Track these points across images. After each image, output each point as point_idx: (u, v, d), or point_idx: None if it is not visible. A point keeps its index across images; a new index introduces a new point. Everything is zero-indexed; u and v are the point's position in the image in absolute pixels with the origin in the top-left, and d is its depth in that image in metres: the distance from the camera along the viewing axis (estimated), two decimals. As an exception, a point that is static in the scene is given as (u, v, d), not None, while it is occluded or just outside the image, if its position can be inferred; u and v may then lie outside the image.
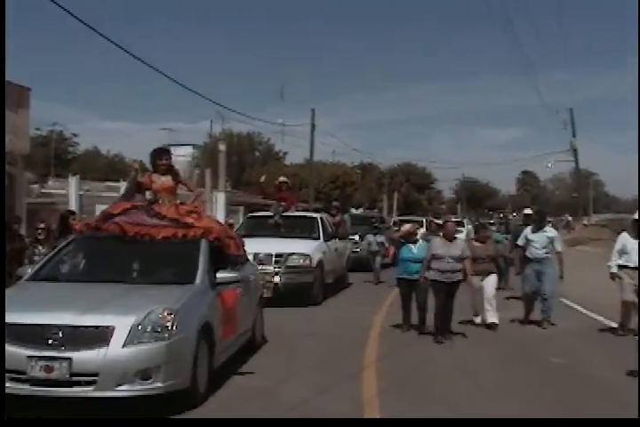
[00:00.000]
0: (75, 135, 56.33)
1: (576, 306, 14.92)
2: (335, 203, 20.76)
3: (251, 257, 13.86)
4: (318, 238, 16.32)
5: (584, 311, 14.20)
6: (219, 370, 7.81)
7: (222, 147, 35.39)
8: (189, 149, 61.18)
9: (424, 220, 38.98)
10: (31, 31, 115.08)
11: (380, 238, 20.57)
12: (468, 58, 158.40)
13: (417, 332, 11.40)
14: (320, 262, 15.30)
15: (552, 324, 12.17)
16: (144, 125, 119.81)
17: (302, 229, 16.74)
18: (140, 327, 6.39)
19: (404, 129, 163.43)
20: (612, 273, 11.52)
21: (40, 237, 10.88)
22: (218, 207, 31.06)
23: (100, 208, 26.71)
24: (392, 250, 19.67)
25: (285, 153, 65.63)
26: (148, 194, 9.21)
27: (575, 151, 49.50)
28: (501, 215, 54.31)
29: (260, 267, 13.84)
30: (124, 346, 6.28)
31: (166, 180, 8.90)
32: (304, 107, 46.29)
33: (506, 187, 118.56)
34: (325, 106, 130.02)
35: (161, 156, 9.00)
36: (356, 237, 22.54)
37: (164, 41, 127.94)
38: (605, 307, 13.21)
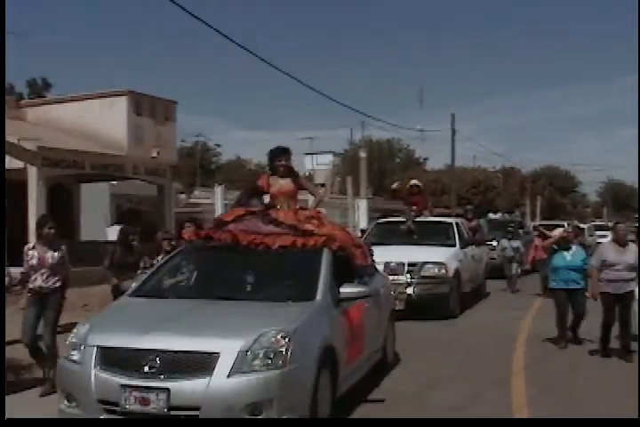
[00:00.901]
0: (218, 146, 59.20)
1: None
2: (469, 206, 19.45)
3: (381, 266, 13.02)
4: (454, 245, 15.17)
5: None
6: (345, 397, 6.86)
7: (363, 154, 35.83)
8: (330, 157, 62.17)
9: (566, 224, 37.08)
10: (177, 48, 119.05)
11: (516, 243, 19.45)
12: (612, 57, 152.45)
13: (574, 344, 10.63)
14: (457, 271, 14.16)
15: None
16: (284, 134, 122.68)
17: (437, 235, 15.53)
18: (249, 354, 5.46)
19: (545, 131, 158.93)
20: None
21: (167, 248, 9.81)
22: (360, 214, 31.32)
23: None
24: (532, 255, 18.33)
25: (426, 159, 67.09)
26: (265, 199, 8.43)
27: None
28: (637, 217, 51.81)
29: (391, 277, 12.91)
30: (229, 375, 5.36)
31: (285, 183, 8.04)
32: (442, 112, 46.64)
33: None
34: (464, 110, 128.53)
35: (279, 156, 8.13)
36: (494, 243, 21.25)
37: (302, 51, 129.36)
38: None
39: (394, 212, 17.35)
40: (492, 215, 31.65)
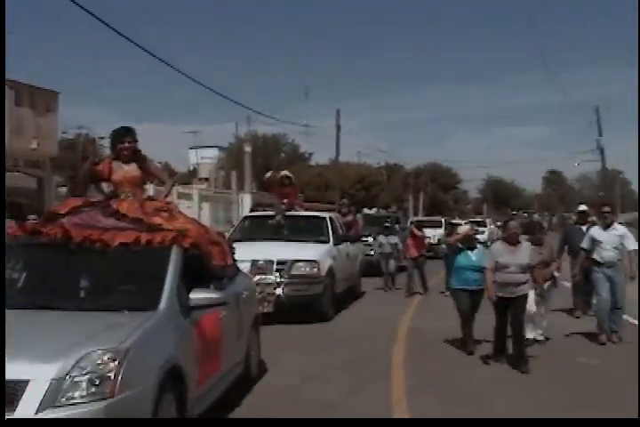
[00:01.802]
0: (101, 138, 57.19)
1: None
2: (345, 200, 18.65)
3: (248, 265, 12.07)
4: (327, 242, 14.21)
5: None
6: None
7: (248, 148, 35.88)
8: (215, 151, 62.33)
9: (443, 220, 37.03)
10: (59, 36, 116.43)
11: (394, 240, 18.81)
12: (495, 57, 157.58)
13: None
14: (330, 270, 13.24)
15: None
16: (169, 127, 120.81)
17: (309, 230, 14.57)
18: (66, 381, 4.39)
19: (430, 129, 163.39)
20: None
21: None
22: (244, 209, 30.75)
23: None
24: (412, 251, 17.82)
25: (311, 154, 66.91)
26: (106, 187, 7.29)
27: (602, 150, 48.93)
28: (525, 214, 53.36)
29: (258, 277, 11.97)
30: (38, 411, 4.26)
31: (130, 168, 6.90)
32: (329, 107, 46.86)
33: (532, 186, 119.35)
34: (350, 106, 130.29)
35: (123, 137, 6.95)
36: (369, 239, 20.63)
37: (189, 44, 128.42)
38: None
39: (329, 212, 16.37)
40: (367, 210, 31.17)
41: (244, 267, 12.03)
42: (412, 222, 22.39)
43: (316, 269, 12.67)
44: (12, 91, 19.01)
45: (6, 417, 4.25)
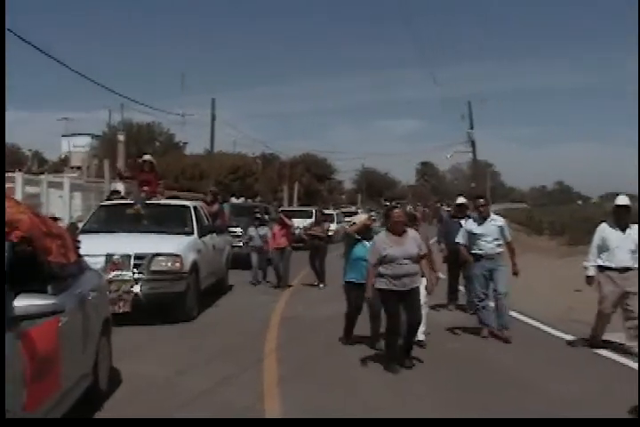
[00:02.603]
0: None
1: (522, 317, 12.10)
2: (213, 188, 17.52)
3: (102, 260, 10.98)
4: (192, 233, 13.11)
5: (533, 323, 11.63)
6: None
7: (121, 137, 35.47)
8: (88, 139, 60.30)
9: (313, 210, 36.45)
10: None
11: (263, 231, 17.96)
12: (369, 50, 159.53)
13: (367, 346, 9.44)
14: (194, 265, 12.15)
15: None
16: (40, 114, 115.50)
17: (171, 221, 13.42)
18: None
19: (307, 120, 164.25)
20: (588, 277, 9.20)
21: None
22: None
23: None
24: (274, 242, 17.04)
25: (185, 143, 66.27)
26: None
27: (473, 143, 49.64)
28: (398, 205, 53.94)
29: (113, 273, 10.89)
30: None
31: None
32: (206, 97, 46.79)
33: (406, 178, 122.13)
34: (229, 96, 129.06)
35: None
36: (237, 230, 19.71)
37: (64, 28, 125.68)
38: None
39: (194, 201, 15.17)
40: (234, 200, 30.17)
41: (98, 262, 10.97)
42: (280, 212, 21.66)
43: (178, 264, 11.52)
44: None
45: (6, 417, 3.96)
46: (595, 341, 9.34)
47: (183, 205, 14.14)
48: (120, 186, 29.53)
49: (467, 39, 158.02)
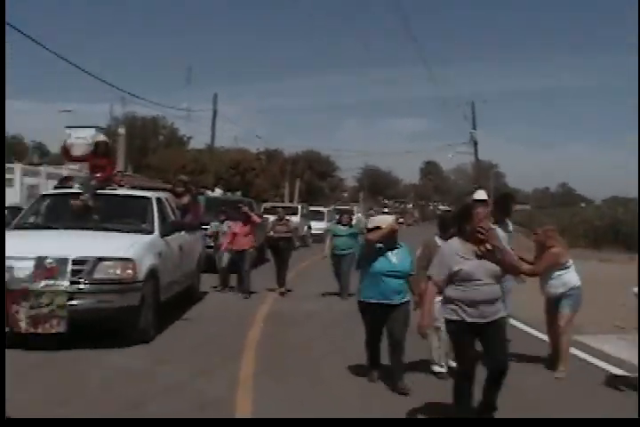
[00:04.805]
0: None
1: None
2: (183, 177, 14.85)
3: (30, 264, 8.65)
4: (151, 231, 10.42)
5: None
6: None
7: (122, 130, 34.91)
8: (92, 132, 56.82)
9: (299, 207, 34.18)
10: None
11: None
12: (374, 48, 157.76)
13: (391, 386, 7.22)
14: (152, 272, 9.50)
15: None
16: (44, 106, 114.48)
17: (127, 216, 10.84)
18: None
19: (311, 117, 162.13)
20: None
21: None
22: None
23: None
24: (226, 243, 14.71)
25: (189, 138, 66.12)
26: None
27: (475, 143, 49.19)
28: (401, 205, 53.43)
29: (44, 282, 8.56)
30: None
31: None
32: (210, 92, 48.73)
33: (409, 177, 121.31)
34: (233, 92, 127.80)
35: None
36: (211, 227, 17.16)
37: (69, 24, 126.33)
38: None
39: (154, 189, 12.62)
40: (210, 193, 27.39)
41: (25, 267, 8.66)
42: (265, 209, 19.23)
43: (130, 271, 8.86)
44: None
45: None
46: None
47: (142, 196, 11.28)
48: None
49: (472, 38, 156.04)
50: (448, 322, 5.91)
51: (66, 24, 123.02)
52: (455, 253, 5.82)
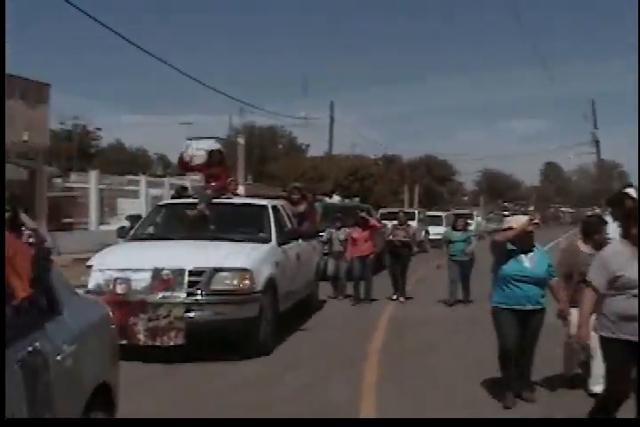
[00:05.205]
0: (98, 129, 57.72)
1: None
2: (297, 184, 14.61)
3: (147, 276, 8.56)
4: (268, 240, 10.14)
5: None
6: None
7: (241, 140, 36.16)
8: (211, 142, 58.42)
9: (416, 212, 33.40)
10: (49, 30, 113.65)
11: (345, 234, 14.95)
12: (490, 50, 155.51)
13: None
14: (270, 282, 9.21)
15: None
16: (166, 118, 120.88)
17: (243, 225, 10.53)
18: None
19: (427, 121, 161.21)
20: None
21: None
22: None
23: (121, 201, 27.38)
24: (349, 249, 14.35)
25: (307, 146, 67.63)
26: None
27: (597, 143, 48.37)
28: (521, 208, 52.37)
29: (162, 294, 8.45)
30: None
31: None
32: (326, 100, 48.05)
33: (530, 179, 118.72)
34: (351, 99, 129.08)
35: None
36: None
37: (187, 38, 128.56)
38: None
39: (275, 198, 12.62)
40: (327, 199, 27.14)
41: (143, 279, 8.59)
42: (382, 215, 18.79)
43: (247, 282, 8.66)
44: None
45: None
46: None
47: (258, 205, 11.06)
48: (241, 189, 27.57)
49: (590, 35, 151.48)
50: (602, 339, 5.28)
51: (184, 39, 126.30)
52: (619, 256, 5.19)
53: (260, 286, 8.92)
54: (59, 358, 3.90)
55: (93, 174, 26.62)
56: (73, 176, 31.66)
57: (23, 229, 7.13)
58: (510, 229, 6.76)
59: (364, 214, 14.70)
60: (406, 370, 8.23)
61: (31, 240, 7.03)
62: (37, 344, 3.74)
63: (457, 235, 14.02)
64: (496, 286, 6.85)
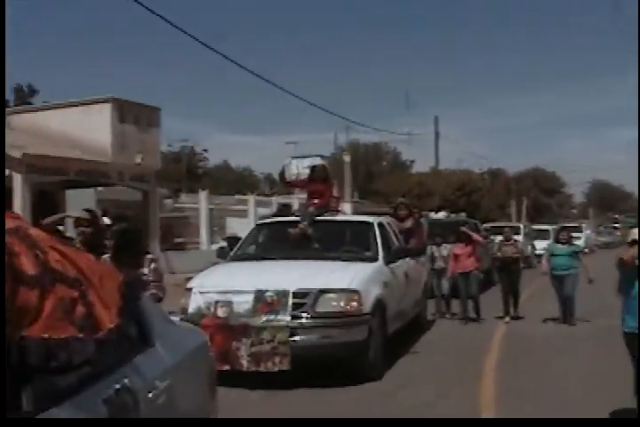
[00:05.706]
0: (205, 151, 59.95)
1: None
2: (403, 199, 14.14)
3: (249, 298, 8.21)
4: (375, 259, 9.64)
5: None
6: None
7: (347, 158, 37.07)
8: (317, 161, 59.64)
9: (522, 226, 32.31)
10: (160, 56, 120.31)
11: (447, 250, 14.45)
12: (602, 58, 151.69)
13: None
14: (379, 303, 8.67)
15: None
16: (271, 138, 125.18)
17: (348, 243, 10.17)
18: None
19: (531, 134, 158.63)
20: None
21: None
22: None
23: (230, 221, 27.64)
24: (452, 265, 13.72)
25: (412, 162, 68.43)
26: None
27: None
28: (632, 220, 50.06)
29: (265, 317, 8.08)
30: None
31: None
32: (429, 114, 48.32)
33: None
34: (453, 114, 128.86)
35: None
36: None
37: (287, 57, 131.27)
38: None
39: (381, 215, 12.37)
40: (433, 215, 26.59)
41: (245, 301, 8.25)
42: (487, 230, 18.03)
43: (355, 304, 8.17)
44: (116, 108, 20.07)
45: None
46: None
47: (363, 222, 10.63)
48: (347, 206, 28.18)
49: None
50: None
51: (287, 60, 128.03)
52: None
53: (368, 307, 8.40)
54: (150, 395, 3.51)
55: (203, 195, 27.46)
56: (183, 197, 32.68)
57: (148, 255, 6.92)
58: (635, 242, 6.03)
59: (465, 229, 14.07)
60: (525, 391, 7.75)
61: (153, 266, 6.79)
62: (126, 381, 3.36)
63: (560, 248, 13.14)
64: (627, 309, 6.08)
